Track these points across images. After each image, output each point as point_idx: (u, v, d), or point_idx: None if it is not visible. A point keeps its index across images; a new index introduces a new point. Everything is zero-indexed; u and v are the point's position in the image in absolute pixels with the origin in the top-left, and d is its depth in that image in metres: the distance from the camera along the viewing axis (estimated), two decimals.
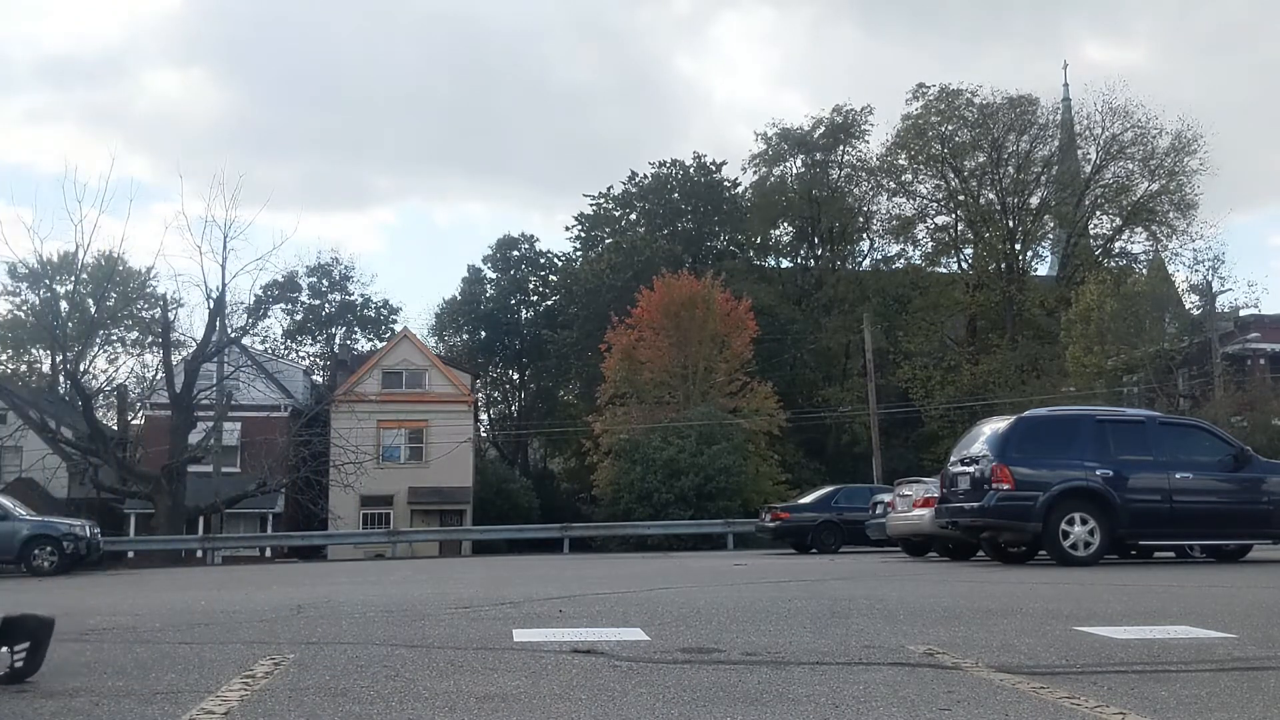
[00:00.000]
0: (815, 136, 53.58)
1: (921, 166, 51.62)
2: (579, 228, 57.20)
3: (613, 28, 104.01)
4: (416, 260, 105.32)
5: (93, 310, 37.67)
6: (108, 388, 38.06)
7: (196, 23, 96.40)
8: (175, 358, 32.97)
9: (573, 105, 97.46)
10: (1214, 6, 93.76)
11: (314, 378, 53.20)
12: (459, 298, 58.32)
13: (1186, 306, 40.51)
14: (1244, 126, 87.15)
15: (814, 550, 24.21)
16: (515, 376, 61.04)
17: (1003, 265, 49.45)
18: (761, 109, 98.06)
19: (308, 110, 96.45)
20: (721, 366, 42.61)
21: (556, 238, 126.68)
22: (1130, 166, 48.72)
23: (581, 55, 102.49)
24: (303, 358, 58.20)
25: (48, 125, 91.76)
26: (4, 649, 3.83)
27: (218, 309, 32.98)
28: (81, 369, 34.43)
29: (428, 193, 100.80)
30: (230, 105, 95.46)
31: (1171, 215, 47.47)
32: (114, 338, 44.89)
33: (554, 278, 58.47)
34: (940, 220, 52.87)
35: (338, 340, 58.11)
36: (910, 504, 17.73)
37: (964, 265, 52.20)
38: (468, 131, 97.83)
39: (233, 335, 35.13)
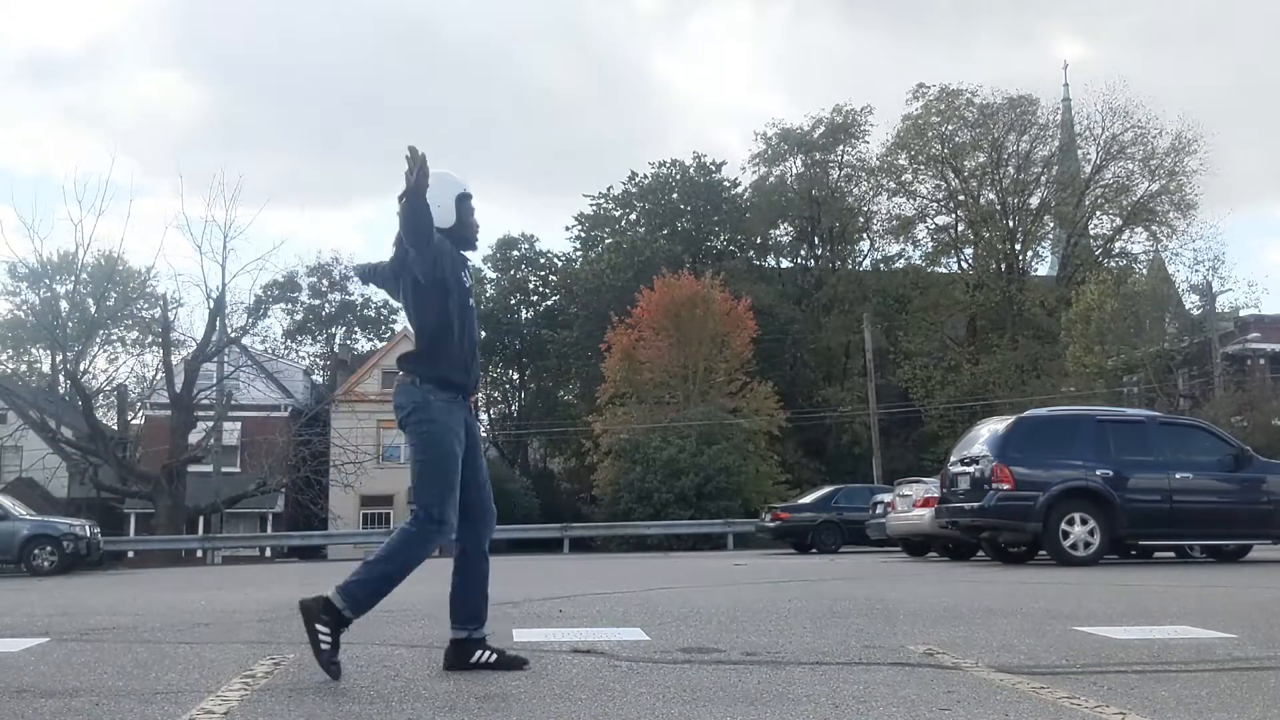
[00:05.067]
0: (815, 136, 53.57)
1: (921, 166, 51.62)
2: (579, 228, 57.21)
3: (591, 28, 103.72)
4: None
5: (93, 310, 37.63)
6: (108, 388, 37.98)
7: (179, 22, 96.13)
8: (175, 358, 32.97)
9: (554, 107, 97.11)
10: (1199, 5, 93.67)
11: (314, 378, 53.20)
12: None
13: (1186, 306, 40.49)
14: (1240, 126, 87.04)
15: (814, 550, 24.21)
16: (515, 376, 61.03)
17: (1003, 265, 49.45)
18: (747, 109, 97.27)
19: (292, 110, 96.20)
20: (721, 366, 42.60)
21: (555, 238, 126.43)
22: (1130, 166, 48.74)
23: (560, 57, 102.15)
24: (303, 358, 58.23)
25: (29, 123, 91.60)
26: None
27: (218, 309, 33.00)
28: (81, 369, 34.37)
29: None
30: (214, 104, 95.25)
31: (1171, 215, 47.49)
32: (114, 338, 44.81)
33: (554, 278, 58.48)
34: (940, 220, 52.90)
35: (338, 340, 58.11)
36: (910, 504, 17.73)
37: (964, 265, 52.19)
38: (454, 131, 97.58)
39: (233, 335, 35.13)
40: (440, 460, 4.09)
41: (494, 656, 4.07)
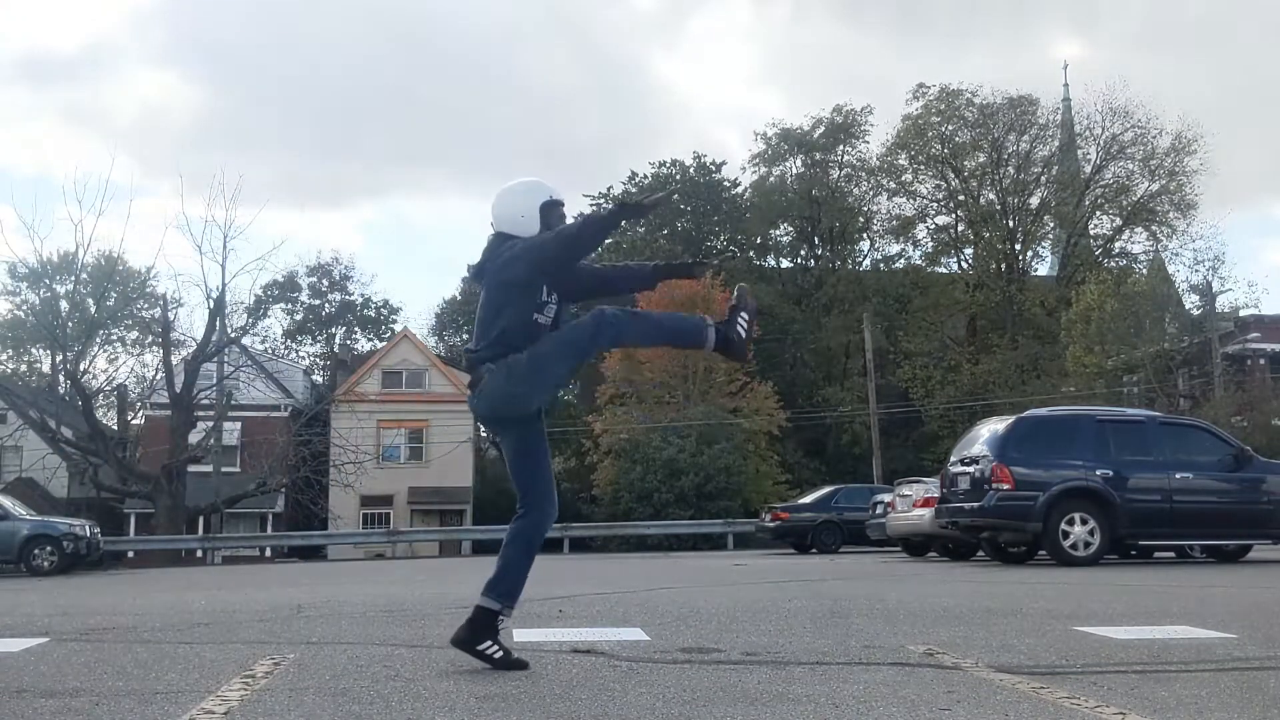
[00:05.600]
0: (815, 136, 53.59)
1: (921, 166, 51.64)
2: None
3: (590, 28, 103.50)
4: (412, 261, 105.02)
5: (93, 310, 37.66)
6: (108, 388, 38.00)
7: (177, 22, 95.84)
8: (175, 358, 32.96)
9: (554, 107, 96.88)
10: (1199, 5, 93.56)
11: (314, 378, 53.19)
12: (459, 297, 58.35)
13: (1186, 306, 40.51)
14: (1240, 126, 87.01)
15: (814, 550, 24.21)
16: None
17: (1003, 265, 49.45)
18: (747, 109, 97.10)
19: (291, 111, 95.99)
20: (721, 366, 42.53)
21: None
22: (1130, 166, 48.75)
23: (560, 57, 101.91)
24: (303, 358, 58.25)
25: (28, 123, 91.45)
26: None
27: (218, 309, 33.00)
28: (81, 369, 34.36)
29: (409, 191, 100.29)
30: (213, 104, 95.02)
31: (1171, 215, 47.51)
32: (114, 338, 44.86)
33: None
34: (940, 220, 52.92)
35: (338, 340, 58.12)
36: (910, 504, 17.73)
37: (964, 265, 52.21)
38: (454, 131, 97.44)
39: (233, 335, 35.13)
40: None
41: (500, 654, 4.13)
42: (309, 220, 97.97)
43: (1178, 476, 13.17)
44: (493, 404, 4.25)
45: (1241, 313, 39.47)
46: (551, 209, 4.30)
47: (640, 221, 55.35)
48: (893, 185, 52.18)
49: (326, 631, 5.67)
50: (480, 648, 4.09)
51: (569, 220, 4.35)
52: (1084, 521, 12.68)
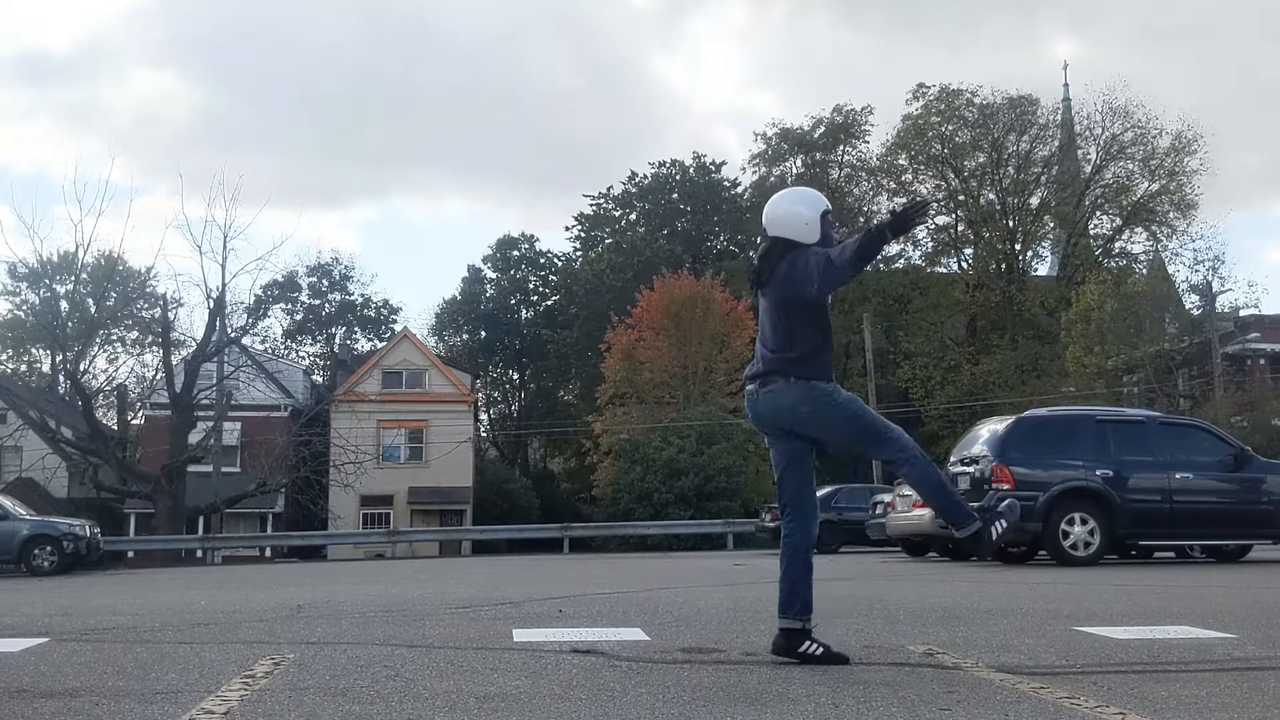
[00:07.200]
0: (815, 136, 53.62)
1: (922, 166, 51.68)
2: (579, 228, 57.27)
3: (590, 28, 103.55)
4: (412, 260, 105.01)
5: (93, 310, 37.68)
6: (108, 388, 38.02)
7: (175, 21, 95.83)
8: (175, 358, 32.96)
9: (554, 107, 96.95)
10: (1199, 5, 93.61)
11: (314, 378, 53.20)
12: (459, 298, 58.36)
13: (1186, 306, 40.54)
14: (1240, 126, 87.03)
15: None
16: (515, 376, 61.06)
17: (1003, 265, 49.48)
18: (746, 109, 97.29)
19: (290, 110, 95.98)
20: (721, 366, 42.60)
21: (555, 238, 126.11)
22: (1130, 166, 48.80)
23: (559, 57, 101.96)
24: (303, 358, 58.26)
25: (26, 124, 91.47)
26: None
27: (218, 309, 33.01)
28: (81, 369, 34.40)
29: (409, 191, 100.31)
30: (211, 104, 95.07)
31: (1171, 215, 47.55)
32: (114, 338, 44.92)
33: (554, 278, 58.49)
34: (940, 220, 52.94)
35: (338, 340, 58.12)
36: (910, 504, 17.66)
37: (964, 265, 52.23)
38: (453, 131, 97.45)
39: (233, 335, 35.14)
40: (860, 410, 4.52)
41: (820, 650, 4.26)
42: (309, 220, 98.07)
43: (1178, 476, 13.16)
44: (776, 415, 4.44)
45: (1241, 313, 39.53)
46: (826, 218, 4.49)
47: (643, 221, 55.54)
48: (893, 185, 52.20)
49: (326, 631, 5.67)
50: (800, 649, 4.24)
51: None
52: (1084, 521, 12.67)
